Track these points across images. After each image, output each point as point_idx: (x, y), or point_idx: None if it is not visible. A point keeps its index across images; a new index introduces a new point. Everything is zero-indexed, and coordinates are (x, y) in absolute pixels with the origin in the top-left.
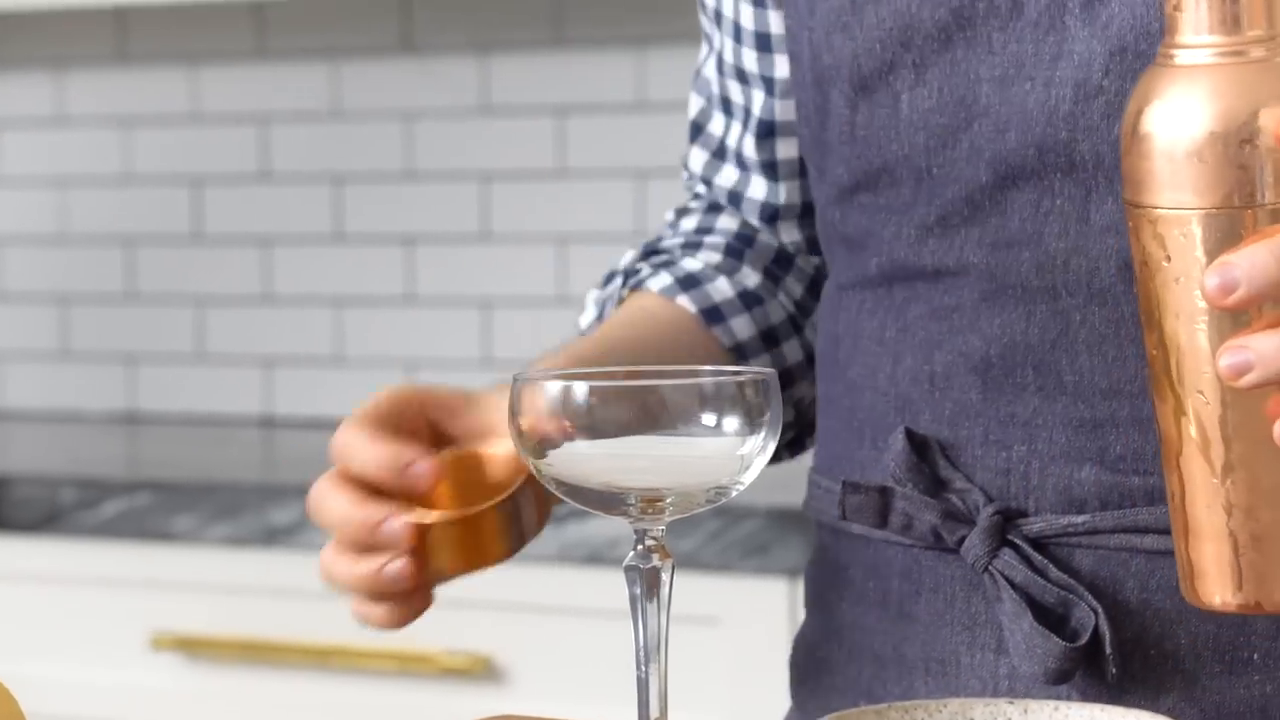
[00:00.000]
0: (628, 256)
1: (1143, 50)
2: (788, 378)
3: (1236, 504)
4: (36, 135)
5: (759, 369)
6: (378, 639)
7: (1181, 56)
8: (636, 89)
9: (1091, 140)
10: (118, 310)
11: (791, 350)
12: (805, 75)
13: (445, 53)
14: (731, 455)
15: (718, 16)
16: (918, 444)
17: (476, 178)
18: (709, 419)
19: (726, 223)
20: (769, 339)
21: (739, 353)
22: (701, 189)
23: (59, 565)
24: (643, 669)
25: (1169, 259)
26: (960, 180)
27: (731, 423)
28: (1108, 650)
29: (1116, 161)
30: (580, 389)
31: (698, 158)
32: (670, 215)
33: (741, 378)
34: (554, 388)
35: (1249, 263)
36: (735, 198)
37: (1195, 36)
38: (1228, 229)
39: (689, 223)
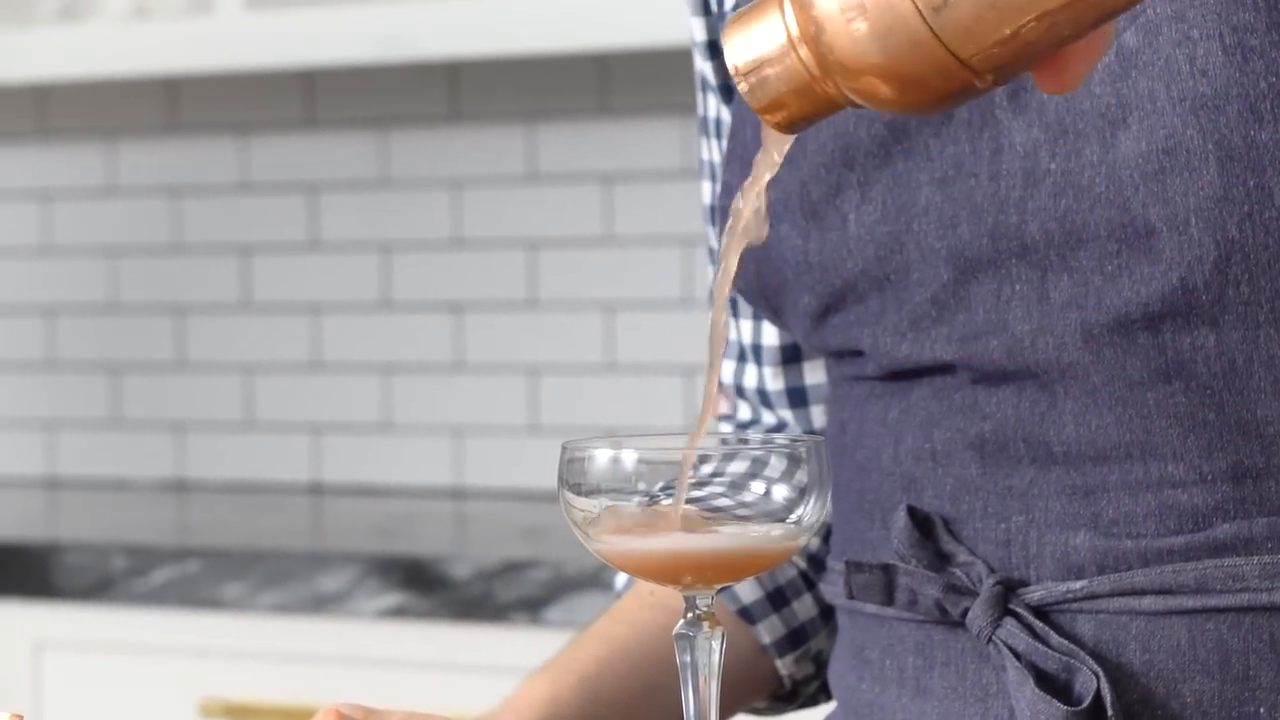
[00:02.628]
0: None
1: (1081, 129)
2: (800, 635)
3: None
4: (87, 205)
5: (808, 435)
6: (428, 705)
7: None
8: (683, 156)
9: (1040, 220)
10: (167, 379)
11: (803, 608)
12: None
13: (492, 121)
14: (781, 522)
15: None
16: (920, 520)
17: (524, 245)
18: (758, 486)
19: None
20: (777, 599)
21: (746, 616)
22: (726, 408)
23: (109, 633)
24: None
25: None
26: (924, 282)
27: (781, 490)
28: (1109, 713)
29: (1066, 237)
30: (629, 457)
31: (727, 369)
32: None
33: (791, 444)
34: (603, 456)
35: None
36: (764, 396)
37: None
38: None
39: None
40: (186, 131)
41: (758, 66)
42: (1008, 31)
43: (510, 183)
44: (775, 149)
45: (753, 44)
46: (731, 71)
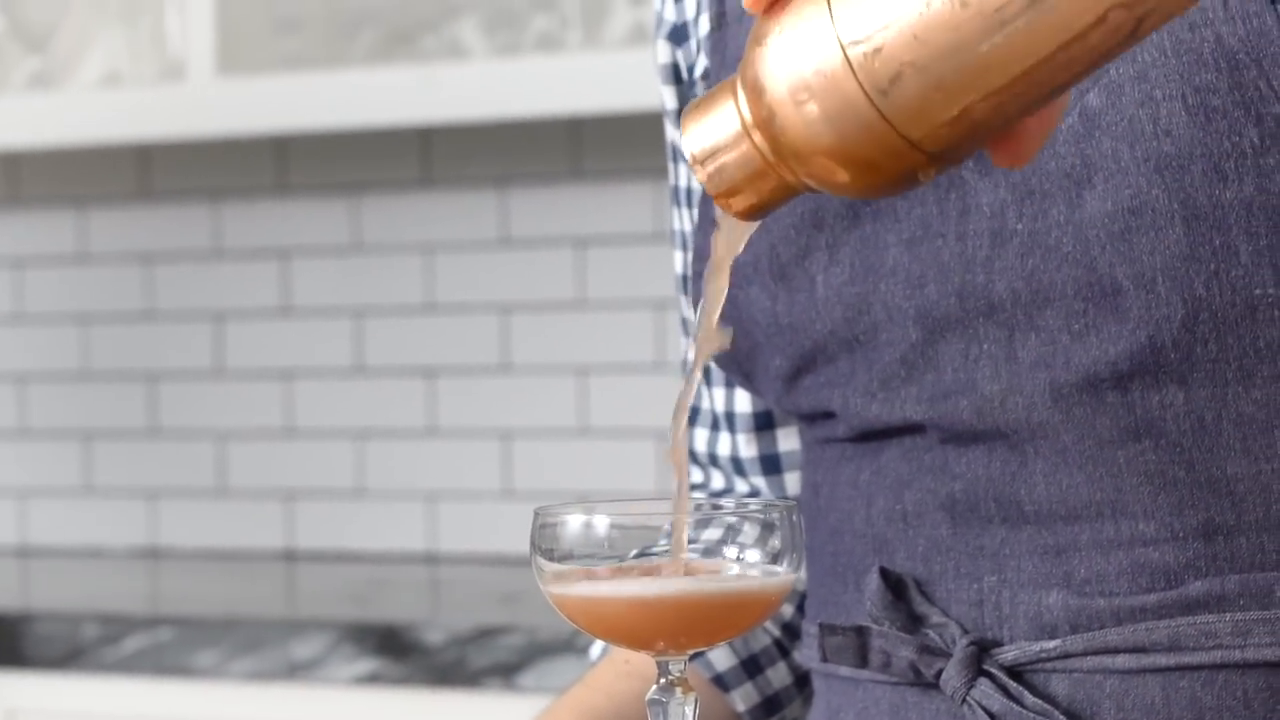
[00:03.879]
0: None
1: (1046, 189)
2: (775, 703)
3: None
4: (59, 272)
5: (780, 500)
6: None
7: None
8: (655, 220)
9: (1007, 279)
10: (139, 445)
11: (777, 676)
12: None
13: (464, 186)
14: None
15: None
16: (893, 582)
17: (496, 309)
18: (731, 552)
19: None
20: (751, 667)
21: (720, 684)
22: (699, 477)
23: (81, 702)
24: None
25: None
26: (892, 342)
27: (754, 555)
28: None
29: (1033, 296)
30: (601, 522)
31: (700, 437)
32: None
33: (764, 509)
34: (575, 522)
35: None
36: (738, 464)
37: None
38: None
39: None
40: (158, 198)
41: (714, 154)
42: (956, 112)
43: (483, 247)
44: (736, 238)
45: (708, 132)
46: (689, 160)
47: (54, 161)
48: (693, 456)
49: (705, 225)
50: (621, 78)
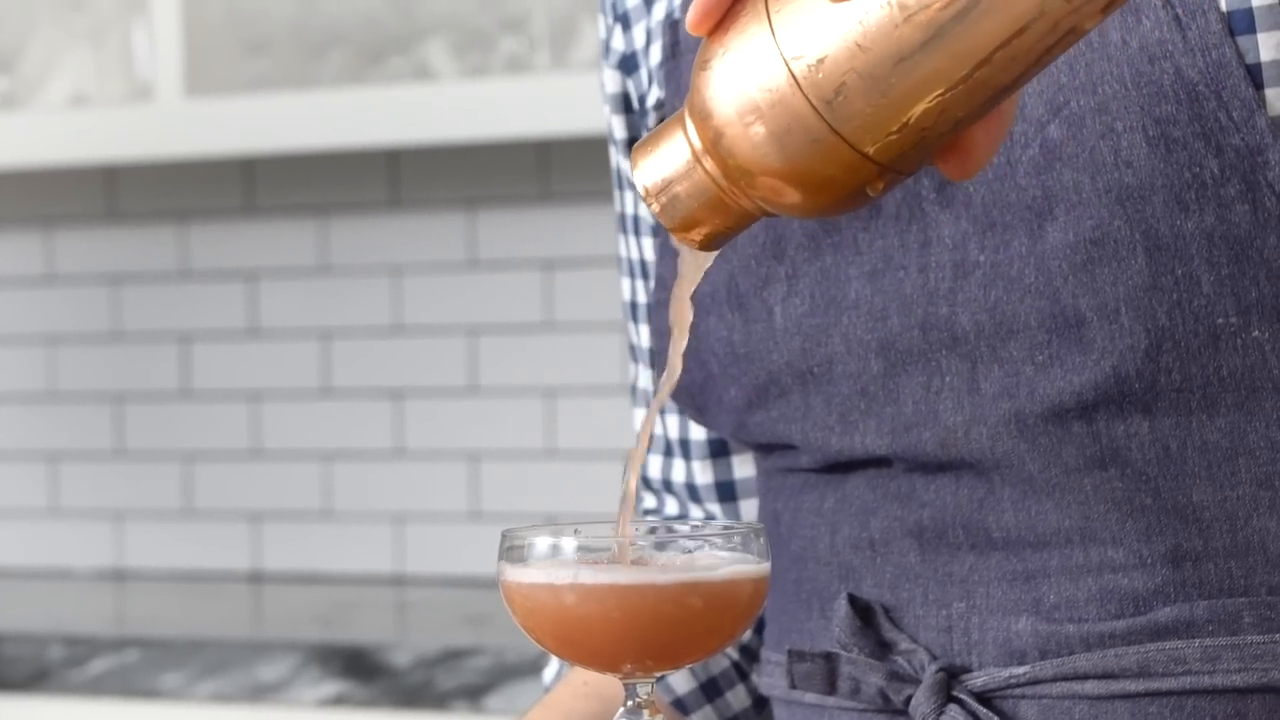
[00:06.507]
0: None
1: (1008, 221)
2: None
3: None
4: (26, 293)
5: (748, 522)
6: None
7: None
8: None
9: (970, 311)
10: (106, 466)
11: (737, 698)
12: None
13: (432, 208)
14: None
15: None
16: (861, 609)
17: (464, 331)
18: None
19: None
20: (710, 690)
21: (680, 707)
22: (652, 503)
23: None
24: None
25: None
26: (850, 375)
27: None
28: None
29: (996, 328)
30: (568, 544)
31: (654, 464)
32: None
33: (730, 529)
34: (543, 544)
35: None
36: (692, 490)
37: None
38: None
39: None
40: (126, 219)
41: (666, 185)
42: (903, 119)
43: (450, 269)
44: (692, 271)
45: (659, 164)
46: (641, 195)
47: (20, 182)
48: (646, 483)
49: (666, 254)
50: (589, 100)
